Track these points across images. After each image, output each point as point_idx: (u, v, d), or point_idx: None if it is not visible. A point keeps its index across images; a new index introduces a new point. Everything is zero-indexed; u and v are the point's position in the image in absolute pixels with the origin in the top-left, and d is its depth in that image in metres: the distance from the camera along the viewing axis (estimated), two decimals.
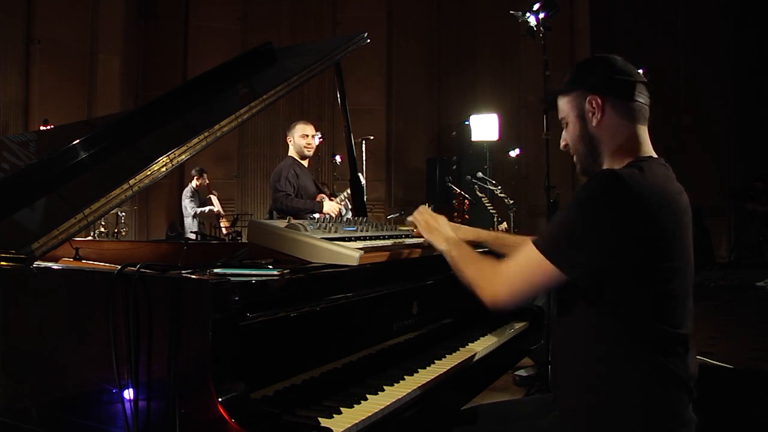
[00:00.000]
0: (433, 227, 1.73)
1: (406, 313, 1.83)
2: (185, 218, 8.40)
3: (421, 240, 1.95)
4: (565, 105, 1.59)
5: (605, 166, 1.53)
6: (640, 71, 1.56)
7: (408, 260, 1.84)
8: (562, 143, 1.62)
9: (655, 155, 1.52)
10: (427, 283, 1.95)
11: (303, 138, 4.64)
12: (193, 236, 8.00)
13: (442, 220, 1.85)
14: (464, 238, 1.87)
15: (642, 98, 1.52)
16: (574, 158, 1.59)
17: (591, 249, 1.34)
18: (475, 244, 1.95)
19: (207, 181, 8.63)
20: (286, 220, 1.76)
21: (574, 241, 1.35)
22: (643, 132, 1.53)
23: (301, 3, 11.44)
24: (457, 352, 1.83)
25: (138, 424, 1.23)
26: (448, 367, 1.64)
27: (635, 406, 1.36)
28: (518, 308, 2.40)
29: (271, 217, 6.00)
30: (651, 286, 1.36)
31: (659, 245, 1.35)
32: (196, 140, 1.77)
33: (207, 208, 8.46)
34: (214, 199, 8.62)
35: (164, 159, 1.69)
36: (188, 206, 8.29)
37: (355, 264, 1.56)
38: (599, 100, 1.51)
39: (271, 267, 1.49)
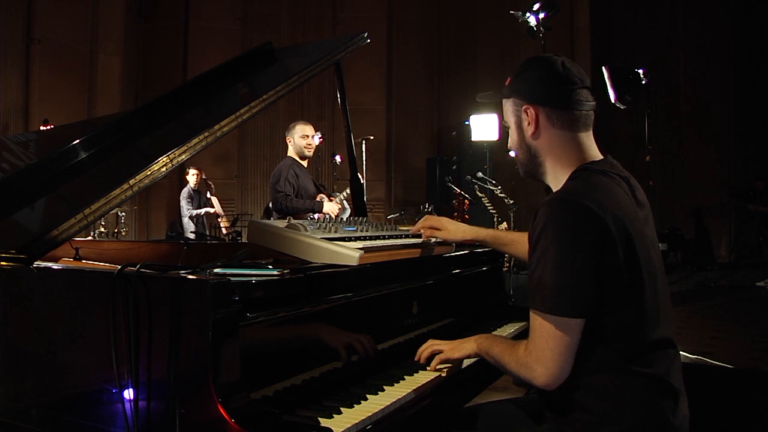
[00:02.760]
0: (455, 345, 1.62)
1: (406, 313, 1.83)
2: (183, 218, 8.39)
3: (420, 240, 1.96)
4: (506, 108, 1.56)
5: (548, 175, 1.51)
6: (585, 73, 1.49)
7: (408, 260, 1.84)
8: (509, 144, 1.59)
9: (599, 157, 1.48)
10: (427, 283, 1.95)
11: (303, 138, 4.63)
12: (192, 236, 7.99)
13: (445, 220, 1.98)
14: (464, 237, 1.97)
15: (581, 106, 1.46)
16: (517, 162, 1.58)
17: (590, 283, 1.30)
18: (474, 242, 2.02)
19: (203, 175, 8.55)
20: (286, 220, 1.76)
21: (575, 286, 1.30)
22: (586, 138, 1.48)
23: (301, 3, 11.44)
24: None
25: (138, 424, 1.23)
26: (449, 367, 1.64)
27: (630, 419, 1.34)
28: (518, 308, 2.41)
29: (268, 217, 6.02)
30: (620, 289, 1.32)
31: (621, 250, 1.31)
32: (196, 140, 1.77)
33: (203, 211, 8.43)
34: (214, 200, 8.61)
35: (164, 159, 1.69)
36: (185, 207, 8.28)
37: (355, 264, 1.56)
38: (533, 111, 1.47)
39: (271, 267, 1.49)
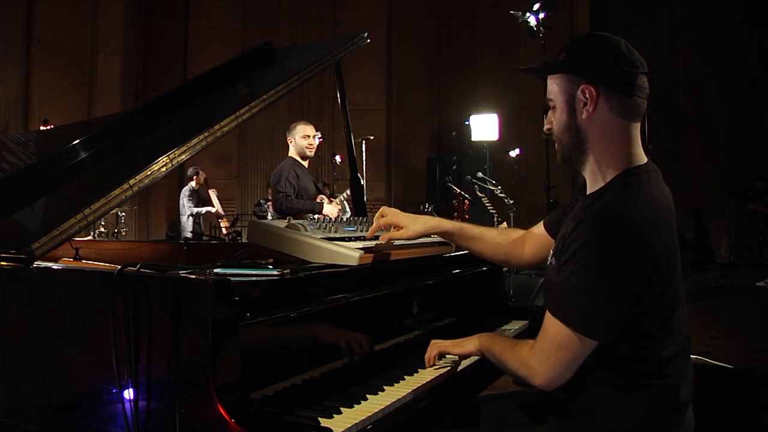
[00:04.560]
0: (458, 341, 1.59)
1: (406, 313, 1.83)
2: (181, 217, 8.38)
3: (421, 240, 1.95)
4: (554, 85, 1.43)
5: (588, 166, 1.42)
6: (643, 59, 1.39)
7: (408, 260, 1.84)
8: (546, 126, 1.46)
9: (645, 159, 1.40)
10: (427, 283, 1.95)
11: (304, 139, 4.63)
12: (190, 236, 7.99)
13: (401, 215, 1.74)
14: (424, 230, 1.73)
15: (641, 93, 1.37)
16: (557, 146, 1.46)
17: (618, 308, 1.26)
18: (439, 234, 1.81)
19: (204, 176, 8.56)
20: (286, 220, 1.76)
21: (604, 311, 1.26)
22: (636, 131, 1.39)
23: (301, 3, 11.45)
24: None
25: (138, 424, 1.23)
26: (448, 367, 1.64)
27: (635, 429, 1.33)
28: (518, 308, 2.41)
29: (259, 209, 5.99)
30: (653, 314, 1.30)
31: (662, 276, 1.29)
32: (196, 140, 1.77)
33: (204, 209, 8.43)
34: (214, 198, 8.61)
35: (164, 159, 1.69)
36: (186, 205, 8.27)
37: (355, 264, 1.56)
38: (593, 92, 1.36)
39: (271, 267, 1.49)
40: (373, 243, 1.74)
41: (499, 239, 1.81)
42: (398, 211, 1.76)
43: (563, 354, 1.30)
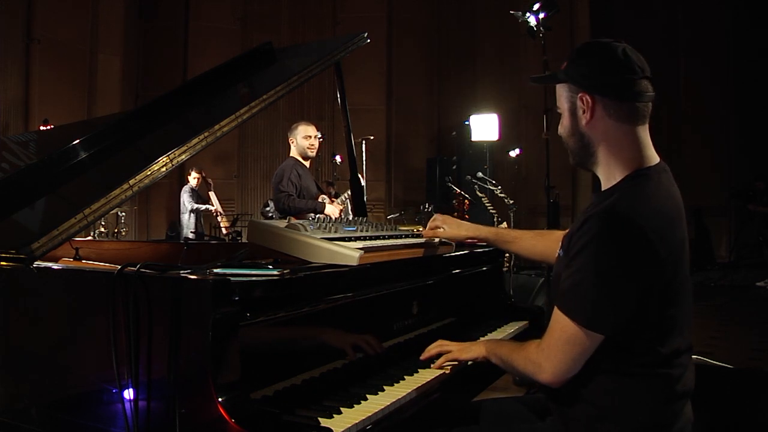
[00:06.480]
0: (465, 346, 1.64)
1: (406, 313, 1.83)
2: (182, 214, 8.38)
3: (420, 240, 1.96)
4: (560, 93, 1.48)
5: (600, 166, 1.44)
6: (646, 62, 1.41)
7: (408, 260, 1.84)
8: (559, 130, 1.52)
9: (656, 160, 1.43)
10: (427, 283, 1.95)
11: (306, 139, 4.64)
12: (192, 235, 7.99)
13: (449, 219, 2.00)
14: (466, 234, 1.97)
15: (642, 98, 1.38)
16: (567, 149, 1.51)
17: (623, 302, 1.29)
18: (476, 240, 2.02)
19: (203, 175, 8.56)
20: (286, 220, 1.76)
21: (611, 307, 1.28)
22: (643, 133, 1.41)
23: (301, 3, 11.45)
24: None
25: (138, 424, 1.23)
26: (448, 368, 1.64)
27: (635, 419, 1.34)
28: (518, 308, 2.41)
29: (267, 210, 5.98)
30: (656, 309, 1.32)
31: (666, 274, 1.31)
32: (196, 140, 1.77)
33: (204, 207, 8.44)
34: (213, 198, 8.61)
35: (164, 159, 1.69)
36: (186, 201, 8.27)
37: (355, 264, 1.56)
38: (589, 100, 1.39)
39: (271, 267, 1.49)
40: (373, 243, 1.74)
41: (533, 240, 1.93)
42: (449, 216, 2.03)
43: (570, 349, 1.32)
